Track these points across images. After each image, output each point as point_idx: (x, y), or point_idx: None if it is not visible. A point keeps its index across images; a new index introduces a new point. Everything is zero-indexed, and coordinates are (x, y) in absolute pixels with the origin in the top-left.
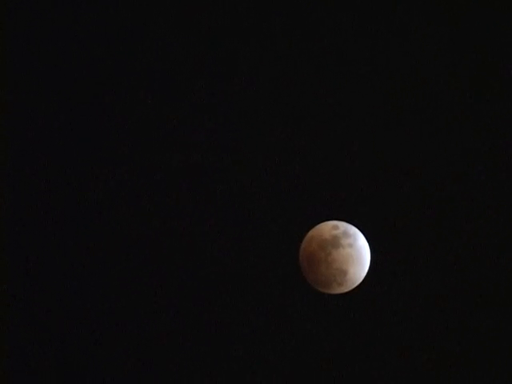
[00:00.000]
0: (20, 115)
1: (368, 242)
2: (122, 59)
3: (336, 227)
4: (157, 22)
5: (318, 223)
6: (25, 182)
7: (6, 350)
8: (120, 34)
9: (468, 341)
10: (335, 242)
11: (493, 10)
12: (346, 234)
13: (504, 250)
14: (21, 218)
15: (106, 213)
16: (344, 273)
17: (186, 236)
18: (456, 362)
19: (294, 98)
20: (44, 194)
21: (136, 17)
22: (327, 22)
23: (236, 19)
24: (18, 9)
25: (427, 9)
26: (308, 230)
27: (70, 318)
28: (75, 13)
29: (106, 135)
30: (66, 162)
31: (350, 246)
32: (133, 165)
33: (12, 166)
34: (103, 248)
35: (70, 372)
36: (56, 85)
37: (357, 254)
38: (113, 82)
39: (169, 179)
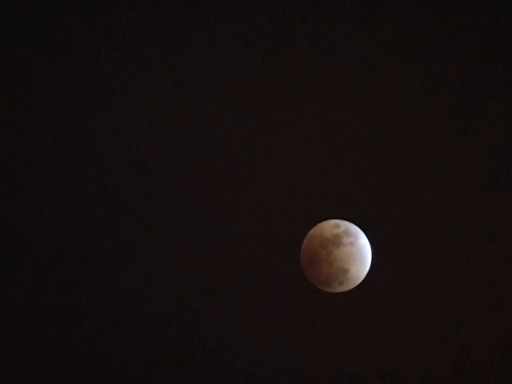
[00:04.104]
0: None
1: (369, 240)
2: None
3: (337, 226)
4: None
5: (320, 222)
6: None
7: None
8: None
9: (468, 339)
10: (336, 241)
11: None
12: (347, 232)
13: (504, 248)
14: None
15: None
16: (345, 271)
17: (187, 235)
18: (457, 359)
19: (295, 98)
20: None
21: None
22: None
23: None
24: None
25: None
26: (309, 229)
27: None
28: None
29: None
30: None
31: (352, 244)
32: (130, 166)
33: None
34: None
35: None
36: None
37: (358, 252)
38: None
39: (170, 178)
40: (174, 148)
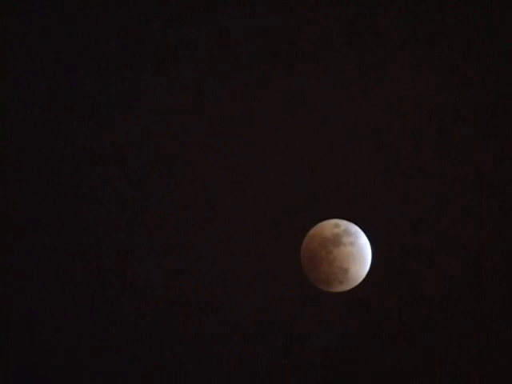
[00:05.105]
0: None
1: (369, 240)
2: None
3: (337, 225)
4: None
5: (320, 222)
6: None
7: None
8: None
9: (468, 337)
10: (336, 241)
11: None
12: (347, 232)
13: (503, 248)
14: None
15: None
16: (345, 271)
17: (188, 235)
18: (456, 358)
19: (296, 98)
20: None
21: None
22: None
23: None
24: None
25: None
26: (309, 229)
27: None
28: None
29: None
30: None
31: (352, 244)
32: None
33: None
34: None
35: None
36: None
37: (358, 252)
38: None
39: (172, 179)
40: (174, 147)
